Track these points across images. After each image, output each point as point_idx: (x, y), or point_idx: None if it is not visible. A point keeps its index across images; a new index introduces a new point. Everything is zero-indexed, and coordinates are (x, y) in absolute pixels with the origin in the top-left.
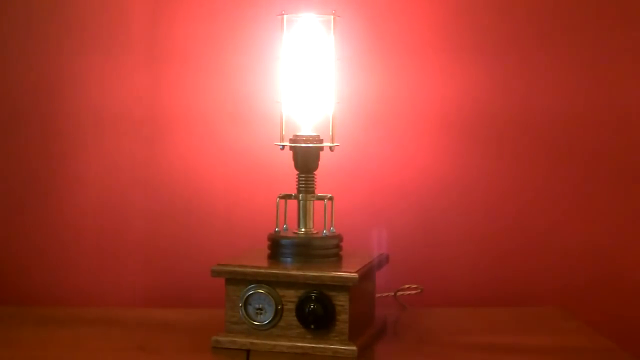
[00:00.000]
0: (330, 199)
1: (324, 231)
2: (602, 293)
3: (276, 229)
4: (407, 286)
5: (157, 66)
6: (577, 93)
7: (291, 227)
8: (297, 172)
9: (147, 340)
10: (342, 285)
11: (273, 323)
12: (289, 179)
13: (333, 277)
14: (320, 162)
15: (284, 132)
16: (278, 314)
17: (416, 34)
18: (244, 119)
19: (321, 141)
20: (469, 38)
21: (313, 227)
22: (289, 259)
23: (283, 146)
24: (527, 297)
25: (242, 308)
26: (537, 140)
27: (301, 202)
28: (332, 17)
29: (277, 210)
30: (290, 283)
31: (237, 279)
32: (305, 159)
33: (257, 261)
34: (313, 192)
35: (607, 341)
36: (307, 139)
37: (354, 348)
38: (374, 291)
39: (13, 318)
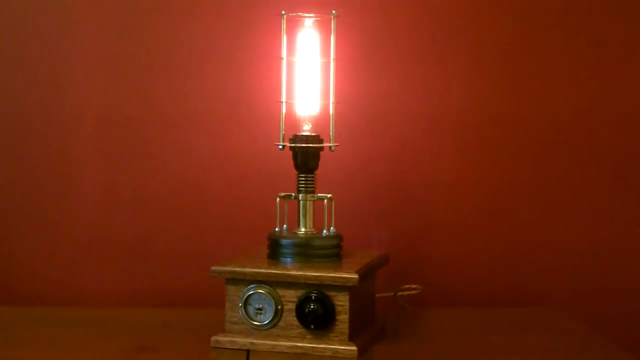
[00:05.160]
0: (330, 199)
1: (324, 231)
2: (602, 293)
3: (276, 229)
4: (407, 286)
5: (156, 66)
6: (578, 94)
7: (291, 227)
8: (297, 172)
9: (147, 340)
10: (342, 285)
11: (273, 323)
12: (289, 179)
13: (333, 277)
14: (320, 162)
15: (283, 132)
16: (278, 314)
17: (417, 34)
18: (244, 119)
19: (321, 141)
20: (469, 38)
21: (313, 227)
22: (289, 259)
23: (283, 146)
24: (527, 297)
25: (242, 308)
26: (537, 140)
27: (301, 202)
28: (332, 17)
29: (277, 210)
30: (290, 283)
31: (237, 279)
32: (305, 159)
33: (257, 261)
34: (313, 192)
35: (607, 341)
36: (307, 139)
37: (354, 348)
38: (374, 291)
39: (13, 318)
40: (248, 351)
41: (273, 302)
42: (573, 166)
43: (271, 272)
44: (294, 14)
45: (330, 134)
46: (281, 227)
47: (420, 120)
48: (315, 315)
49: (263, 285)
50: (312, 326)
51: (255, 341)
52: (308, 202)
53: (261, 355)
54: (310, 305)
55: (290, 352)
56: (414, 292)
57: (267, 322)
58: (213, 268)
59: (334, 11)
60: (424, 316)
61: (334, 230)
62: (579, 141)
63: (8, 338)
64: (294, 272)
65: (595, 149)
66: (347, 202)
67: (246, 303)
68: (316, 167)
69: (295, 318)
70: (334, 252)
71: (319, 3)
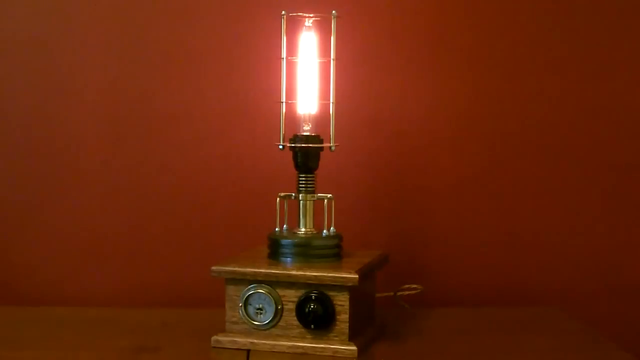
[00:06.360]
0: (330, 199)
1: (324, 231)
2: (602, 293)
3: (276, 229)
4: (407, 286)
5: (156, 66)
6: (578, 93)
7: (291, 227)
8: (297, 172)
9: (147, 340)
10: (342, 285)
11: (273, 323)
12: (289, 179)
13: (333, 277)
14: (320, 162)
15: (283, 132)
16: (278, 314)
17: (417, 35)
18: (244, 119)
19: (321, 141)
20: (469, 38)
21: (313, 227)
22: (289, 259)
23: (283, 146)
24: (527, 297)
25: (242, 308)
26: (537, 140)
27: (301, 202)
28: (332, 17)
29: (277, 210)
30: (290, 283)
31: (237, 279)
32: (305, 159)
33: (257, 261)
34: (313, 192)
35: (607, 341)
36: (307, 139)
37: (354, 348)
38: (374, 291)
39: (13, 318)
40: (248, 351)
41: (273, 302)
42: (573, 166)
43: (271, 272)
44: (294, 14)
45: (331, 134)
46: (281, 227)
47: (420, 121)
48: (315, 315)
49: (263, 285)
50: (312, 326)
51: (255, 341)
52: (308, 202)
53: (261, 355)
54: (310, 305)
55: (290, 352)
56: (414, 292)
57: (267, 322)
58: (213, 268)
59: (334, 11)
60: (424, 316)
61: (334, 230)
62: (579, 141)
63: (8, 338)
64: (294, 272)
65: (595, 149)
66: (347, 202)
67: (246, 303)
68: (316, 167)
69: (295, 318)
70: (334, 252)
71: (319, 3)
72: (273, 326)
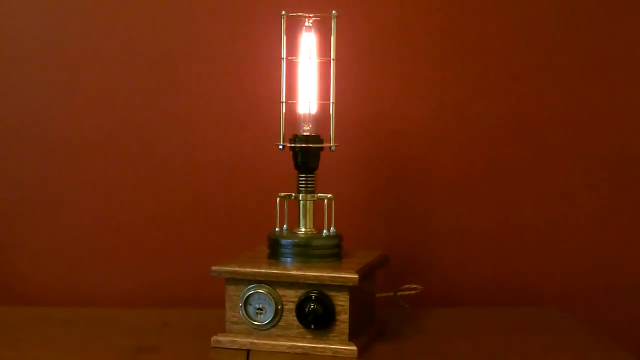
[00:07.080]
0: (330, 199)
1: (324, 231)
2: (602, 293)
3: (276, 229)
4: (407, 286)
5: (156, 66)
6: (577, 92)
7: (291, 227)
8: (297, 172)
9: (147, 340)
10: (342, 285)
11: (273, 323)
12: (289, 179)
13: (333, 277)
14: (320, 162)
15: (283, 132)
16: (278, 314)
17: (417, 34)
18: (244, 119)
19: (321, 141)
20: (469, 38)
21: (313, 227)
22: (289, 259)
23: (283, 146)
24: (527, 297)
25: (242, 308)
26: (537, 140)
27: (301, 202)
28: (332, 17)
29: (277, 210)
30: (290, 283)
31: (237, 279)
32: (305, 159)
33: (257, 261)
34: (313, 192)
35: (607, 341)
36: (307, 139)
37: (354, 348)
38: (374, 291)
39: (13, 318)
40: (248, 351)
41: (273, 302)
42: (573, 166)
43: (271, 272)
44: (294, 14)
45: (331, 134)
46: (281, 227)
47: (420, 120)
48: (315, 315)
49: (263, 285)
50: (312, 326)
51: (255, 341)
52: (308, 202)
53: (261, 355)
54: (310, 305)
55: (290, 352)
56: (414, 292)
57: (267, 322)
58: (213, 268)
59: (334, 11)
60: (424, 316)
61: (334, 230)
62: (579, 141)
63: (8, 338)
64: (294, 272)
65: (595, 149)
66: (347, 202)
67: (246, 303)
68: (316, 167)
69: (295, 318)
70: (334, 252)
71: (319, 3)
72: (273, 326)
